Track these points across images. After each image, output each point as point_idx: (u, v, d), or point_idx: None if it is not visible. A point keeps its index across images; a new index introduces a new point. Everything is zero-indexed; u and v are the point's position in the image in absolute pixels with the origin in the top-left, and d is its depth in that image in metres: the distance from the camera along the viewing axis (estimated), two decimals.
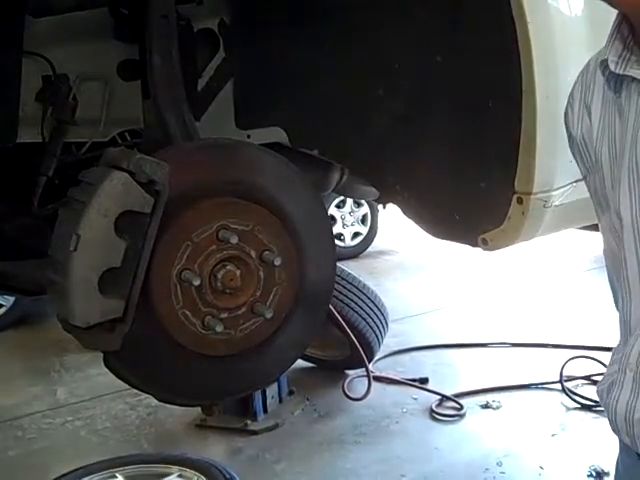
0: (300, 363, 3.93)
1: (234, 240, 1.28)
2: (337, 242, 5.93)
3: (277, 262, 1.31)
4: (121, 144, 1.63)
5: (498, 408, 3.26)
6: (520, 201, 1.48)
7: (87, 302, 1.20)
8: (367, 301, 3.80)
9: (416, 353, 4.17)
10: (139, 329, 1.24)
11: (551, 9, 1.39)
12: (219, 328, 1.28)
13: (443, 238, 1.68)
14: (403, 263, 5.94)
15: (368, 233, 6.06)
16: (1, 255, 1.60)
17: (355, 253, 5.98)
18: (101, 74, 1.60)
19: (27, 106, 1.55)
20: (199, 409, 3.23)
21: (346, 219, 5.94)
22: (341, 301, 3.65)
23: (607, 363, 1.11)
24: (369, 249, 6.12)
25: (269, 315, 1.31)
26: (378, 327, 3.84)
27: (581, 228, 1.85)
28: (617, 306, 1.12)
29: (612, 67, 1.00)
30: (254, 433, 3.16)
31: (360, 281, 3.81)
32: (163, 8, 1.43)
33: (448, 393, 3.35)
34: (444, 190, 1.61)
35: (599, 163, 1.08)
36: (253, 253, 1.31)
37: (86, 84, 1.59)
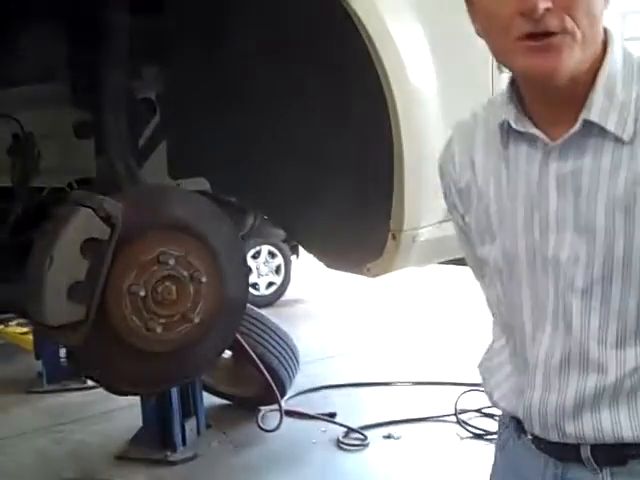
0: (217, 400, 4.31)
1: (171, 263, 1.72)
2: (252, 291, 6.31)
3: (203, 280, 1.75)
4: (74, 189, 2.04)
5: (399, 439, 3.68)
6: (394, 237, 1.89)
7: (57, 307, 1.61)
8: (279, 341, 4.17)
9: (325, 391, 4.54)
10: (97, 330, 1.66)
11: (415, 94, 1.86)
12: (159, 330, 1.71)
13: (338, 269, 2.14)
14: (314, 310, 6.35)
15: (282, 282, 6.46)
16: None
17: (270, 301, 6.36)
18: (60, 133, 2.03)
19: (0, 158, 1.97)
20: (119, 442, 3.58)
21: (261, 269, 6.33)
22: (255, 340, 4.01)
23: None
24: (283, 297, 6.52)
25: (197, 321, 1.75)
26: (290, 365, 4.20)
27: (446, 263, 2.32)
28: (496, 315, 1.34)
29: (513, 125, 1.19)
30: (174, 464, 3.49)
31: (273, 322, 4.21)
32: (115, 83, 1.88)
33: (354, 426, 3.75)
34: (340, 231, 2.06)
35: (484, 205, 1.27)
36: (185, 273, 1.75)
37: (48, 141, 2.01)
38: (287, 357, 4.17)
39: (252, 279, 6.33)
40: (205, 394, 3.96)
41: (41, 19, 1.85)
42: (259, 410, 4.03)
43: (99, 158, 1.93)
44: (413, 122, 1.79)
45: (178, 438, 3.58)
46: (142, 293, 1.69)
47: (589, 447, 1.21)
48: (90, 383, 4.55)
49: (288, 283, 6.51)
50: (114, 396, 4.27)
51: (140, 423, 3.66)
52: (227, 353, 4.26)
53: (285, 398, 4.30)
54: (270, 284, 6.46)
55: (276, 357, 4.10)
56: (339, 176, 1.98)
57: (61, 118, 2.04)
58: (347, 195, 1.98)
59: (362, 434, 3.70)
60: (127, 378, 1.77)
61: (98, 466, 3.57)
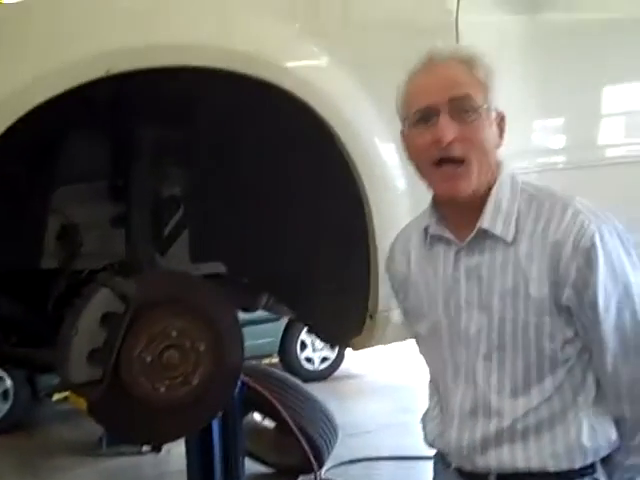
0: (258, 467, 4.64)
1: (175, 334, 2.11)
2: (307, 365, 6.67)
3: (202, 348, 2.13)
4: (109, 270, 2.46)
5: None
6: (371, 317, 2.17)
7: (79, 368, 2.01)
8: (318, 412, 4.49)
9: (366, 463, 4.81)
10: (111, 388, 2.05)
11: (388, 195, 2.18)
12: (163, 390, 2.10)
13: (331, 343, 2.49)
14: (365, 385, 6.61)
15: (336, 358, 6.77)
16: (24, 343, 2.42)
17: (324, 376, 6.67)
18: (99, 224, 2.46)
19: (50, 244, 2.40)
20: None
21: (316, 344, 6.66)
22: (294, 410, 4.33)
23: None
24: (336, 373, 6.83)
25: (195, 383, 2.13)
26: (328, 436, 4.49)
27: None
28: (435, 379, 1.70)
29: (432, 230, 1.60)
30: None
31: (311, 394, 4.53)
32: (142, 183, 2.32)
33: None
34: (330, 310, 2.39)
35: (417, 292, 1.66)
36: (187, 343, 2.13)
37: (89, 230, 2.44)
38: (325, 428, 4.43)
39: (307, 354, 6.68)
40: (248, 461, 4.27)
41: (85, 131, 2.28)
42: (297, 478, 4.34)
43: (127, 245, 2.35)
44: (386, 221, 2.10)
45: None
46: (149, 359, 2.07)
47: (494, 476, 1.58)
48: (145, 448, 4.99)
49: (342, 359, 6.80)
50: (165, 460, 4.68)
51: None
52: (271, 423, 4.62)
53: (326, 468, 4.58)
54: (324, 359, 6.76)
55: (314, 427, 4.37)
56: (327, 263, 2.34)
57: (100, 211, 2.43)
58: (334, 279, 2.33)
59: None
60: (135, 429, 2.15)
61: None
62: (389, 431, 5.29)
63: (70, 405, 5.41)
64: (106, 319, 2.04)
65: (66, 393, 5.29)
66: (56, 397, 5.78)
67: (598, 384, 1.57)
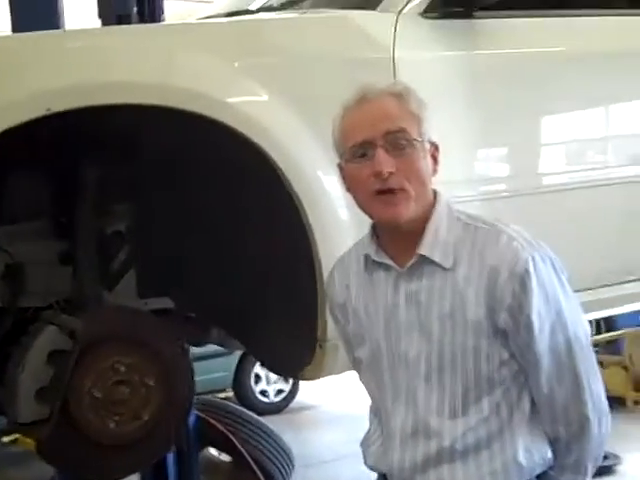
0: None
1: (123, 370, 2.12)
2: (262, 398, 6.67)
3: (151, 383, 2.15)
4: (55, 308, 2.46)
5: None
6: (320, 346, 2.20)
7: (27, 407, 2.02)
8: (274, 444, 4.48)
9: None
10: (60, 425, 2.05)
11: (332, 228, 2.21)
12: (112, 425, 2.10)
13: (281, 374, 2.51)
14: (321, 416, 6.64)
15: (291, 390, 6.78)
16: None
17: (279, 408, 6.68)
18: (45, 261, 2.45)
19: None
20: None
21: (270, 377, 6.67)
22: (250, 443, 4.33)
23: None
24: (291, 404, 6.84)
25: (145, 418, 2.14)
26: (284, 468, 4.50)
27: None
28: (376, 404, 1.74)
29: (373, 257, 1.65)
30: None
31: (267, 426, 4.53)
32: (86, 220, 2.33)
33: None
34: (280, 341, 2.42)
35: (357, 317, 1.71)
36: (136, 378, 2.15)
37: (35, 267, 2.44)
38: (281, 459, 4.41)
39: (261, 387, 6.68)
40: None
41: (26, 169, 2.30)
42: None
43: (73, 282, 2.36)
44: (331, 251, 2.11)
45: None
46: (98, 395, 2.08)
47: None
48: None
49: (297, 390, 6.82)
50: None
51: None
52: (227, 457, 4.60)
53: None
54: (279, 391, 6.77)
55: (270, 459, 4.35)
56: (275, 295, 2.37)
57: (46, 249, 2.42)
58: (283, 310, 2.37)
59: None
60: (85, 467, 2.16)
61: None
62: (346, 461, 5.29)
63: (20, 447, 5.34)
64: (53, 357, 2.06)
65: (16, 435, 5.24)
66: (5, 439, 5.68)
67: (534, 403, 1.64)
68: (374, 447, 1.75)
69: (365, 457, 1.78)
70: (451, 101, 2.38)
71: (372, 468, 1.76)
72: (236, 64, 2.05)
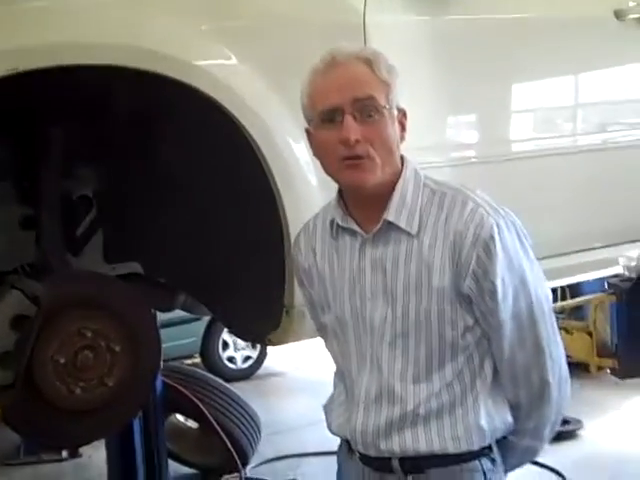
0: (182, 468, 4.63)
1: (89, 335, 2.10)
2: (229, 364, 6.68)
3: (117, 349, 2.13)
4: (19, 272, 2.43)
5: None
6: (287, 312, 2.19)
7: None
8: (241, 410, 4.51)
9: (290, 460, 4.86)
10: (24, 392, 2.03)
11: (301, 189, 2.24)
12: (78, 392, 2.09)
13: (247, 339, 2.51)
14: (289, 383, 6.66)
15: (258, 356, 6.79)
16: None
17: (246, 375, 6.68)
18: (7, 226, 2.42)
19: None
20: None
21: (238, 343, 6.67)
22: (217, 410, 4.35)
23: None
24: (259, 371, 6.85)
25: (111, 384, 2.13)
26: (251, 434, 4.52)
27: None
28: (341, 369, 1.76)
29: (339, 222, 1.66)
30: None
31: (234, 392, 4.55)
32: (50, 184, 2.30)
33: None
34: (248, 307, 2.42)
35: (322, 282, 1.71)
36: (102, 344, 2.13)
37: None
38: (248, 426, 4.48)
39: (229, 353, 6.68)
40: (171, 463, 4.26)
41: None
42: (221, 477, 4.36)
43: (37, 247, 2.33)
44: (299, 216, 2.07)
45: None
46: (63, 360, 2.07)
47: (398, 460, 1.64)
48: (64, 455, 4.92)
49: (265, 357, 6.83)
50: (86, 466, 4.63)
51: None
52: (193, 423, 4.62)
53: (250, 467, 4.61)
54: (247, 358, 6.78)
55: (237, 426, 4.41)
56: (243, 261, 2.37)
57: (7, 213, 2.40)
58: (251, 276, 2.36)
59: None
60: (51, 434, 2.14)
61: None
62: (314, 427, 5.23)
63: None
64: (17, 322, 2.03)
65: None
66: None
67: (496, 370, 1.66)
68: (338, 412, 1.76)
69: (328, 421, 1.79)
70: (421, 67, 2.37)
71: (335, 433, 1.77)
72: (203, 27, 2.02)
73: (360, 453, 1.69)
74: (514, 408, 1.67)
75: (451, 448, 1.62)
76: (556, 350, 1.67)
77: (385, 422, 1.63)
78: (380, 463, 1.67)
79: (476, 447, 1.63)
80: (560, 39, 2.75)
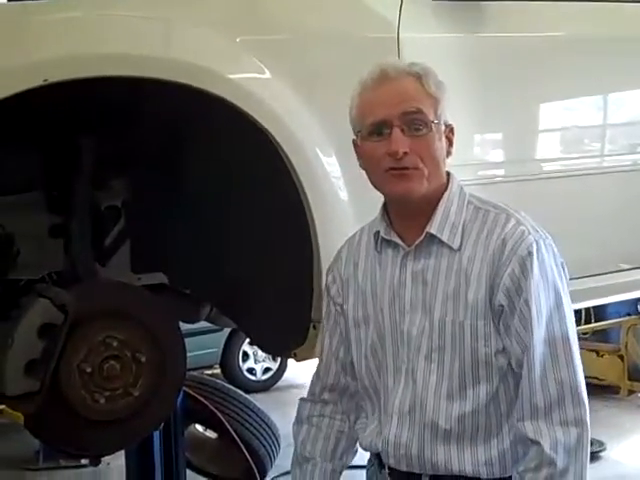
0: (200, 479, 4.61)
1: (115, 345, 2.10)
2: (249, 376, 6.67)
3: (143, 360, 2.13)
4: (47, 281, 2.43)
5: None
6: (314, 327, 2.19)
7: (16, 380, 1.99)
8: (261, 422, 4.48)
9: None
10: (49, 400, 2.03)
11: (331, 203, 2.23)
12: (102, 401, 2.09)
13: (273, 354, 2.50)
14: None
15: (278, 368, 6.79)
16: None
17: (266, 386, 6.68)
18: (36, 234, 2.43)
19: None
20: None
21: (258, 355, 6.67)
22: (236, 421, 4.33)
23: None
24: (278, 383, 6.84)
25: (136, 394, 2.12)
26: (270, 446, 4.49)
27: None
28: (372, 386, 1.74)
29: (383, 234, 1.68)
30: None
31: (255, 404, 4.53)
32: (81, 194, 2.30)
33: None
34: (274, 321, 2.42)
35: (361, 297, 1.71)
36: (128, 354, 2.13)
37: (26, 240, 2.41)
38: (267, 437, 4.43)
39: (249, 365, 6.68)
40: (189, 473, 4.26)
41: (20, 141, 2.25)
42: None
43: (66, 256, 2.33)
44: (329, 231, 2.13)
45: None
46: (89, 370, 2.06)
47: (428, 477, 1.64)
48: (83, 462, 4.92)
49: (285, 369, 6.82)
50: (105, 473, 4.63)
51: None
52: (212, 433, 4.59)
53: (269, 478, 4.58)
54: (267, 369, 6.78)
55: (256, 437, 4.36)
56: (269, 274, 2.36)
57: (37, 221, 2.40)
58: (278, 290, 2.35)
59: None
60: (73, 442, 2.14)
61: None
62: None
63: (5, 418, 5.31)
64: (44, 330, 2.03)
65: (1, 406, 5.21)
66: None
67: None
68: (370, 428, 1.75)
69: (360, 440, 1.79)
70: (453, 84, 2.34)
71: (366, 448, 1.77)
72: (238, 39, 2.02)
73: (390, 468, 1.69)
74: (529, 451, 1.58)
75: (484, 474, 1.61)
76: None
77: (418, 435, 1.63)
78: (410, 478, 1.66)
79: (508, 474, 1.61)
80: (592, 58, 2.74)
